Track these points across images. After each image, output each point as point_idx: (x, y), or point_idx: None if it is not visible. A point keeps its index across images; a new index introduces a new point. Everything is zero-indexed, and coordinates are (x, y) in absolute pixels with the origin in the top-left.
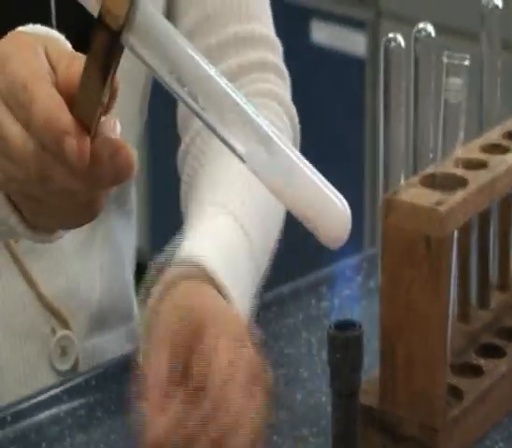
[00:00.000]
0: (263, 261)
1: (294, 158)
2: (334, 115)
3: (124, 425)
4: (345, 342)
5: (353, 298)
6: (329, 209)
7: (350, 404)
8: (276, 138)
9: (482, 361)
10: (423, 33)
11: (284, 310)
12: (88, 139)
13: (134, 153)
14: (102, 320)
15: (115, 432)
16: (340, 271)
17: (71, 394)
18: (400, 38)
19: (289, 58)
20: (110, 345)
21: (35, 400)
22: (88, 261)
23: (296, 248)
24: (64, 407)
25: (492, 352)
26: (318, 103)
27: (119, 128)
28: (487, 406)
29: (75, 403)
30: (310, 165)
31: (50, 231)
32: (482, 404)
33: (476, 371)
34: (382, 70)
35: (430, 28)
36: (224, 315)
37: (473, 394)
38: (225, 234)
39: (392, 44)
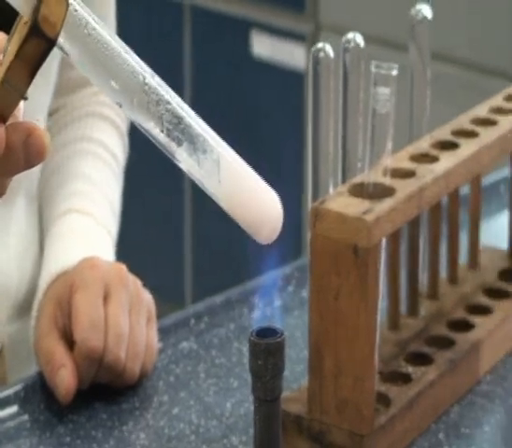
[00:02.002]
0: (111, 223)
1: (226, 154)
2: (274, 128)
3: (53, 435)
4: (266, 349)
5: (285, 308)
6: (261, 204)
7: (272, 411)
8: (207, 136)
9: (411, 369)
10: (352, 43)
11: (216, 320)
12: (3, 128)
13: (47, 136)
14: (24, 306)
15: (44, 443)
16: (272, 280)
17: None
18: (329, 48)
19: (229, 70)
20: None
21: None
22: (1, 249)
23: (228, 258)
24: None
25: (421, 360)
26: (258, 115)
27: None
28: (415, 413)
29: (3, 414)
30: (243, 162)
31: None
32: (410, 411)
33: (405, 379)
34: (311, 80)
35: (359, 38)
36: (91, 271)
37: (401, 401)
38: (78, 225)
39: (321, 54)
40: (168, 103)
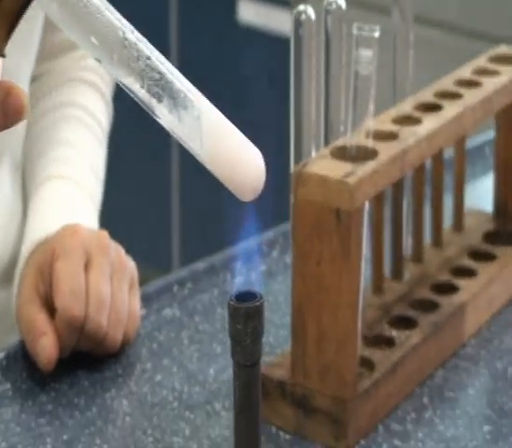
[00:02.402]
0: (94, 188)
1: (207, 111)
2: (260, 94)
3: (35, 403)
4: (245, 312)
5: (268, 273)
6: (243, 160)
7: (252, 376)
8: (188, 92)
9: (394, 333)
10: (334, 5)
11: (199, 286)
12: None
13: (25, 94)
14: (8, 275)
15: (26, 412)
16: (256, 246)
17: None
18: (311, 11)
19: (216, 37)
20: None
21: None
22: None
23: (216, 223)
24: None
25: (405, 323)
26: (244, 82)
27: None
28: (398, 377)
29: None
30: (225, 118)
31: None
32: (394, 375)
33: (389, 343)
34: (292, 42)
35: (341, 1)
36: (72, 238)
37: (384, 365)
38: (59, 191)
39: (303, 17)
40: (148, 58)
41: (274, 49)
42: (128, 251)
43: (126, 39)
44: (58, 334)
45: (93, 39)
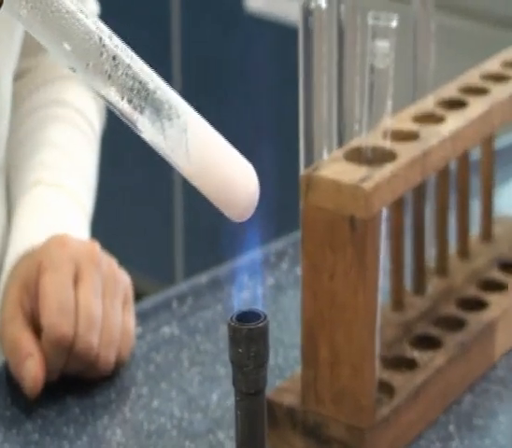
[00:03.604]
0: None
1: (194, 122)
2: (268, 89)
3: (20, 432)
4: (247, 335)
5: (277, 287)
6: (233, 177)
7: (255, 406)
8: (173, 102)
9: (416, 354)
10: None
11: (201, 301)
12: None
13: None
14: None
15: (10, 441)
16: (263, 257)
17: None
18: None
19: (221, 26)
20: None
21: None
22: None
23: (213, 233)
24: None
25: (428, 343)
26: (251, 75)
27: None
28: (421, 403)
29: None
30: (213, 131)
31: None
32: (416, 401)
33: (410, 365)
34: (302, 33)
35: None
36: (60, 249)
37: (405, 390)
38: (47, 199)
39: (312, 5)
40: (129, 66)
41: (283, 39)
42: (127, 263)
43: (103, 46)
44: (45, 355)
45: (66, 45)
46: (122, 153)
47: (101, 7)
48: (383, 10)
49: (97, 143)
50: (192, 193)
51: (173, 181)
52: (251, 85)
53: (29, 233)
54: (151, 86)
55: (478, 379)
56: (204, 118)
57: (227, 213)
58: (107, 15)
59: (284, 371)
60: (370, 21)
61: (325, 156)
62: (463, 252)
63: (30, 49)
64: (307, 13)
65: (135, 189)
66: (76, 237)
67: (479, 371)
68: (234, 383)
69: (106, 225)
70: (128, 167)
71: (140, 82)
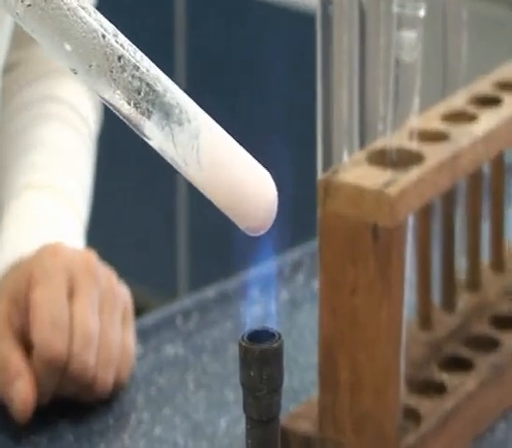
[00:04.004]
0: (80, 203)
1: (207, 128)
2: (282, 85)
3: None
4: (260, 356)
5: (292, 302)
6: (249, 187)
7: (268, 434)
8: (185, 106)
9: (445, 376)
10: None
11: (208, 318)
12: None
13: None
14: None
15: None
16: (277, 269)
17: None
18: None
19: (230, 14)
20: None
21: None
22: None
23: (221, 242)
24: None
25: (458, 365)
26: (262, 69)
27: None
28: (450, 431)
29: None
30: (228, 136)
31: None
32: (444, 429)
33: (439, 389)
34: (319, 23)
35: None
36: (53, 259)
37: (433, 417)
38: (38, 204)
39: None
40: (135, 67)
41: (299, 29)
42: (126, 275)
43: (108, 45)
44: (36, 375)
45: (67, 46)
46: (121, 154)
47: None
48: None
49: (93, 144)
50: (197, 196)
51: (176, 183)
52: (262, 80)
53: (19, 242)
54: (160, 88)
55: None
56: (210, 118)
57: (243, 226)
58: (105, 5)
59: (299, 395)
60: (395, 10)
61: (345, 158)
62: (497, 264)
63: (20, 41)
64: (326, 1)
65: (135, 192)
66: (70, 246)
67: None
68: (245, 408)
69: (103, 232)
70: (127, 169)
71: (148, 84)
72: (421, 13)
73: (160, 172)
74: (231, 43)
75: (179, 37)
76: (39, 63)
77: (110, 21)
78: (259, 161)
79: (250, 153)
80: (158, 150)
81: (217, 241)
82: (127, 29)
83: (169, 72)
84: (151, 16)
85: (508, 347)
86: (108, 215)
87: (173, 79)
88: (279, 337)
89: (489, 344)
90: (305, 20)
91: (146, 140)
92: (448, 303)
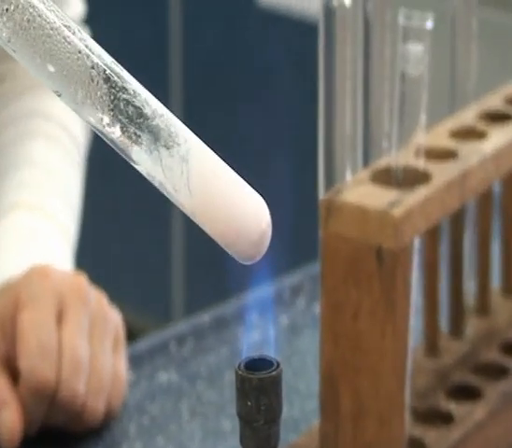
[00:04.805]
0: (68, 221)
1: (196, 151)
2: (282, 97)
3: None
4: (258, 385)
5: (292, 327)
6: (241, 213)
7: None
8: (172, 129)
9: (453, 405)
10: None
11: (203, 344)
12: None
13: None
14: None
15: None
16: (276, 293)
17: None
18: None
19: (229, 22)
20: None
21: None
22: None
23: (217, 264)
24: None
25: (466, 393)
26: (263, 79)
27: None
28: None
29: None
30: (218, 159)
31: None
32: None
33: (446, 418)
34: (322, 34)
35: None
36: (41, 282)
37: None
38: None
39: (335, 1)
40: (123, 89)
41: (300, 38)
42: (118, 298)
43: (94, 67)
44: (23, 403)
45: (50, 67)
46: (113, 173)
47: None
48: (416, 8)
49: (82, 163)
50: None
51: (171, 205)
52: (262, 92)
53: (6, 263)
54: (148, 111)
55: None
56: (205, 131)
57: (235, 254)
58: (99, 9)
59: (300, 425)
60: (401, 21)
61: (348, 177)
62: (508, 288)
63: (5, 52)
64: (329, 11)
65: (127, 211)
66: (59, 268)
67: None
68: (242, 440)
69: (95, 255)
70: (118, 188)
71: (136, 107)
72: (429, 25)
73: (155, 194)
74: (230, 53)
75: (175, 46)
76: (26, 75)
77: (104, 30)
78: (257, 180)
79: (248, 170)
80: (146, 176)
81: (213, 264)
82: (121, 39)
83: (163, 82)
84: (143, 18)
85: None
86: (102, 237)
87: (168, 91)
88: (278, 365)
89: (498, 372)
90: (308, 29)
91: (133, 165)
92: (456, 329)
